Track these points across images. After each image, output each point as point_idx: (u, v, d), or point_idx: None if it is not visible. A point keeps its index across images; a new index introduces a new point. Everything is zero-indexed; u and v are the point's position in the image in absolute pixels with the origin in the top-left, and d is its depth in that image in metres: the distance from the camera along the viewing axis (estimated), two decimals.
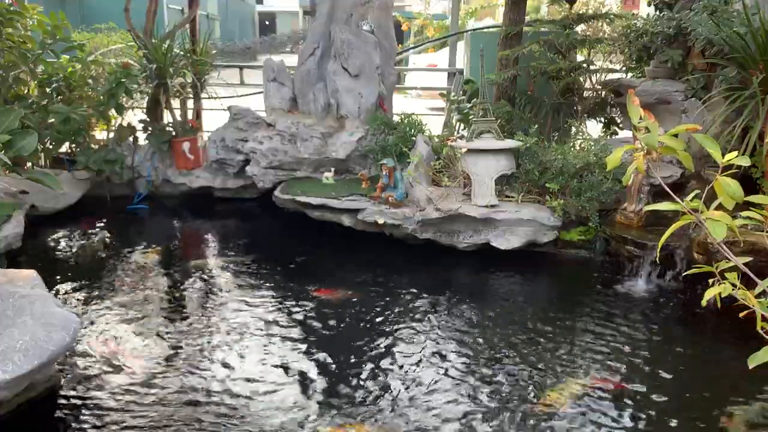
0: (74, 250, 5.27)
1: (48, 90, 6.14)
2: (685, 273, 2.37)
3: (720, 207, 1.53)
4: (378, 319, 4.02)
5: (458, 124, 7.31)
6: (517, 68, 6.43)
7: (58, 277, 4.55)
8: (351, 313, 4.12)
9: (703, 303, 1.75)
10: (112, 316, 3.99)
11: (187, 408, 3.02)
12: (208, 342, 3.69)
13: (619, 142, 6.05)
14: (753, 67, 4.52)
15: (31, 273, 3.36)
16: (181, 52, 6.68)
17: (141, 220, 6.17)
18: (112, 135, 6.51)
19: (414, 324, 3.95)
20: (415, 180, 5.15)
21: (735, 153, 1.53)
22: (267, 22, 38.93)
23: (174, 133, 6.55)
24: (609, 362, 3.51)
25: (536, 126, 5.45)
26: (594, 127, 6.51)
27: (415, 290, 4.46)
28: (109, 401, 3.05)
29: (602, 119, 6.49)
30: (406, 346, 3.67)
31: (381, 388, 3.22)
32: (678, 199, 1.55)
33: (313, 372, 3.37)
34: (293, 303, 4.22)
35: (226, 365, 3.42)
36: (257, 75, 7.20)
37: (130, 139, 6.50)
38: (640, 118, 1.61)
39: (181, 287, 4.51)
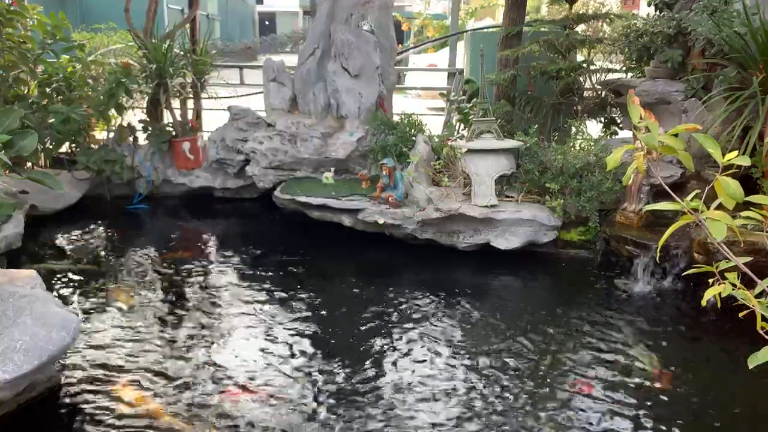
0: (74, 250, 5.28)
1: (48, 90, 6.13)
2: (685, 273, 2.36)
3: (720, 207, 1.53)
4: (378, 319, 4.01)
5: (458, 124, 7.31)
6: (517, 68, 6.43)
7: (58, 277, 4.56)
8: (350, 312, 4.11)
9: (703, 303, 1.74)
10: (112, 315, 3.99)
11: (187, 407, 3.02)
12: (208, 342, 3.69)
13: (619, 142, 6.05)
14: (753, 67, 4.52)
15: (31, 273, 3.36)
16: (181, 52, 6.67)
17: (141, 220, 6.17)
18: (112, 135, 6.51)
19: (413, 324, 3.95)
20: (415, 180, 5.14)
21: (735, 153, 1.52)
22: (267, 22, 38.92)
23: (174, 133, 6.55)
24: (608, 362, 3.51)
25: (536, 126, 5.44)
26: (594, 127, 6.50)
27: (415, 290, 4.46)
28: (108, 401, 3.05)
29: (602, 119, 6.49)
30: (405, 345, 3.67)
31: (378, 386, 3.22)
32: (678, 199, 1.55)
33: (313, 370, 3.38)
34: (293, 303, 4.23)
35: (227, 366, 3.42)
36: (257, 75, 7.20)
37: (130, 139, 6.50)
38: (640, 118, 1.61)
39: (181, 287, 4.51)
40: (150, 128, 6.51)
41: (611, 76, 6.50)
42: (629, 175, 1.79)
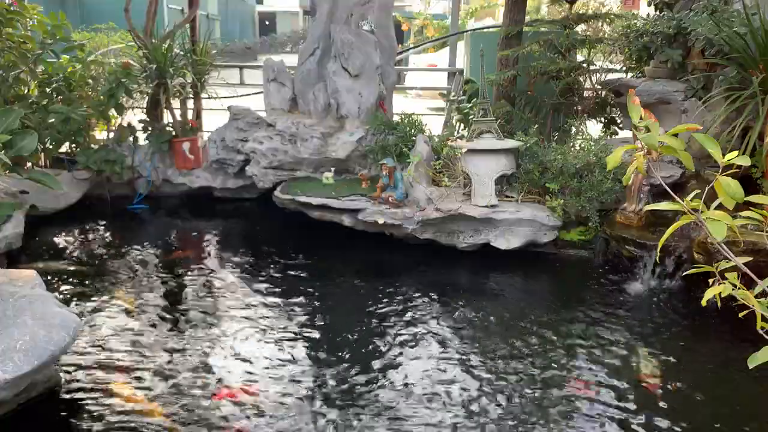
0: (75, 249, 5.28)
1: (48, 90, 6.14)
2: (685, 273, 2.36)
3: (720, 207, 1.53)
4: (377, 318, 4.02)
5: (458, 124, 7.31)
6: (517, 68, 6.43)
7: (58, 277, 4.56)
8: (350, 312, 4.12)
9: (703, 303, 1.74)
10: (112, 315, 3.99)
11: (187, 407, 3.02)
12: (209, 342, 3.69)
13: (619, 142, 6.05)
14: (753, 67, 4.52)
15: (31, 273, 3.36)
16: (181, 52, 6.67)
17: (141, 221, 6.17)
18: (112, 135, 6.51)
19: (413, 324, 3.95)
20: (415, 180, 5.14)
21: (735, 153, 1.52)
22: (267, 22, 38.88)
23: (174, 133, 6.55)
24: (607, 362, 3.51)
25: (536, 126, 5.43)
26: (594, 127, 6.50)
27: (415, 290, 4.46)
28: (108, 401, 3.05)
29: (602, 119, 6.49)
30: (404, 345, 3.67)
31: (377, 386, 3.22)
32: (678, 199, 1.55)
33: (312, 370, 3.38)
34: (293, 303, 4.23)
35: (228, 367, 3.42)
36: (257, 75, 7.19)
37: (130, 139, 6.50)
38: (641, 118, 1.61)
39: (181, 287, 4.51)
40: (150, 128, 6.51)
41: (611, 76, 6.50)
42: (629, 175, 1.79)
